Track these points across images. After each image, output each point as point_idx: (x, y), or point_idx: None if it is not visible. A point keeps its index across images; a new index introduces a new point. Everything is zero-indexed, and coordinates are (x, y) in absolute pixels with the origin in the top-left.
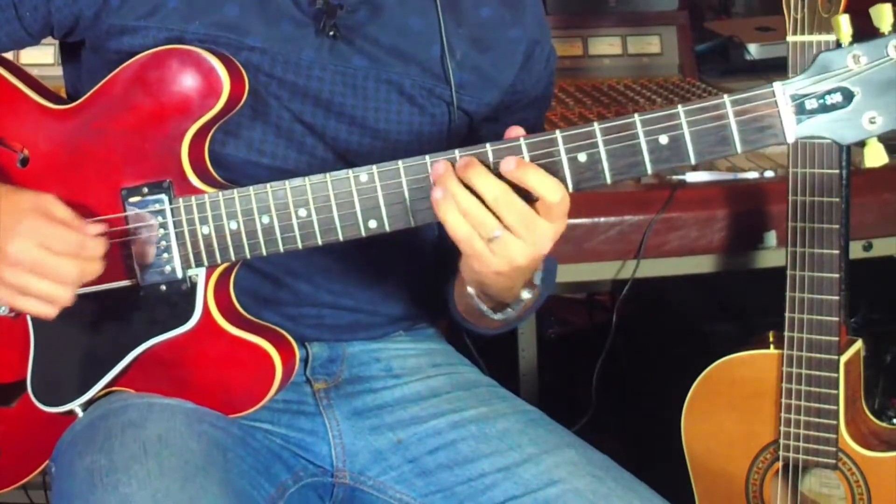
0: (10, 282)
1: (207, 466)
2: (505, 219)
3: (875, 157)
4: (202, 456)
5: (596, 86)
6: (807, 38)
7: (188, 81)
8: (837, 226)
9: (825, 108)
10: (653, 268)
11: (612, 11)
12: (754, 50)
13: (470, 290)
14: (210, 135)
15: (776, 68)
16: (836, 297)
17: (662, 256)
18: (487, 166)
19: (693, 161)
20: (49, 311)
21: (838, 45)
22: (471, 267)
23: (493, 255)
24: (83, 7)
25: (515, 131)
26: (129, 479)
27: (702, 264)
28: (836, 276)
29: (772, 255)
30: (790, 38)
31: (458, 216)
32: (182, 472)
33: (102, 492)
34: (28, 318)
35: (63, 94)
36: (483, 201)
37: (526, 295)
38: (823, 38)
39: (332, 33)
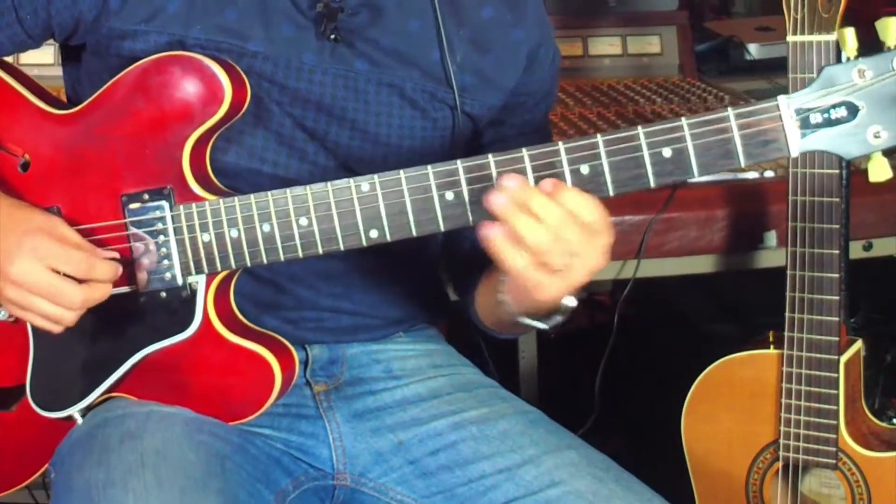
0: (13, 300)
1: (206, 478)
2: (570, 243)
3: (880, 171)
4: (201, 467)
5: (596, 86)
6: (807, 38)
7: (190, 88)
8: (837, 226)
9: (830, 123)
10: (653, 268)
11: (612, 11)
12: (754, 50)
13: (513, 309)
14: (211, 142)
15: (776, 68)
16: (836, 297)
17: (662, 256)
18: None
19: (696, 174)
20: (53, 328)
21: (838, 49)
22: (527, 296)
23: (561, 280)
24: (83, 10)
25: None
26: (126, 494)
27: (702, 264)
28: (836, 276)
29: (772, 255)
30: (790, 38)
31: (512, 249)
32: (180, 485)
33: None
34: (28, 323)
35: (63, 95)
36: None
37: (572, 301)
38: (823, 38)
39: (332, 36)
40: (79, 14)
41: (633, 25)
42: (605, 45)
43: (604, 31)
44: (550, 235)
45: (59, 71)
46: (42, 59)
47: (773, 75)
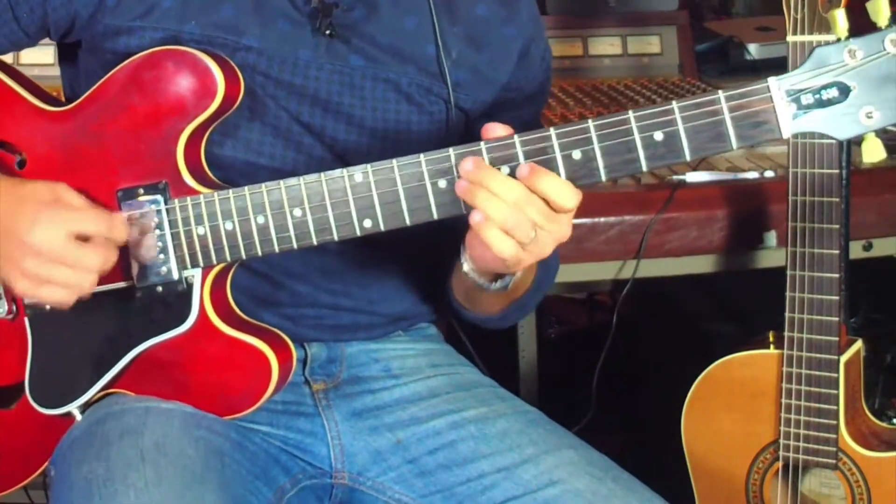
0: (32, 272)
1: (205, 473)
2: (530, 217)
3: (873, 152)
4: (200, 463)
5: (596, 86)
6: (807, 37)
7: (183, 82)
8: (837, 226)
9: (821, 103)
10: (653, 268)
11: (612, 11)
12: (754, 50)
13: (466, 268)
14: (206, 136)
15: (776, 68)
16: (836, 297)
17: (662, 256)
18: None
19: (688, 157)
20: (68, 300)
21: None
22: (496, 267)
23: (528, 254)
24: (79, 8)
25: (493, 129)
26: (127, 489)
27: (702, 264)
28: (836, 276)
29: (772, 255)
30: (790, 38)
31: (500, 235)
32: (180, 480)
33: (99, 502)
34: (26, 320)
35: (61, 96)
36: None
37: None
38: (823, 37)
39: (328, 32)
40: (74, 12)
41: (633, 25)
42: (605, 45)
43: (604, 31)
44: (514, 211)
45: (58, 70)
46: (42, 59)
47: (774, 75)
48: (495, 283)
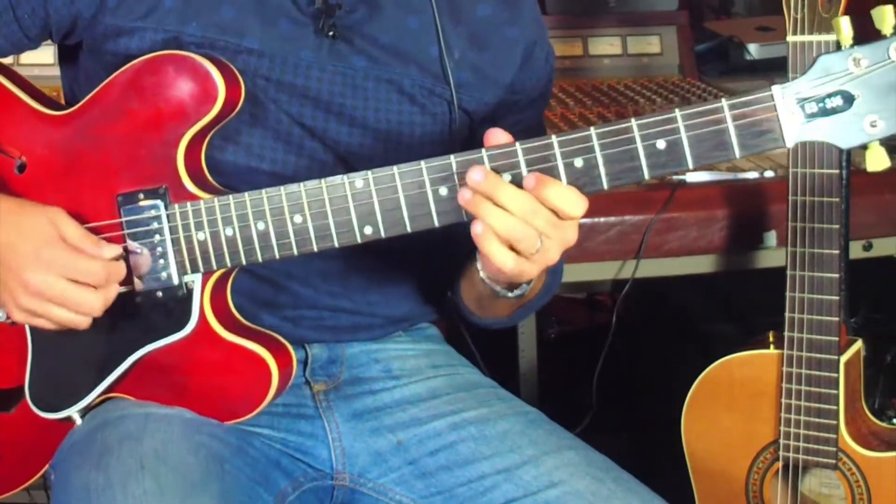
0: (28, 308)
1: (205, 481)
2: (537, 228)
3: (877, 161)
4: (200, 470)
5: (596, 86)
6: (807, 38)
7: (184, 87)
8: (837, 226)
9: (825, 112)
10: (653, 268)
11: (612, 11)
12: (754, 50)
13: (482, 275)
14: (207, 140)
15: (776, 68)
16: (836, 297)
17: (662, 256)
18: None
19: (691, 166)
20: (63, 330)
21: (838, 46)
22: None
23: (534, 264)
24: (81, 8)
25: (494, 135)
26: (126, 498)
27: (702, 264)
28: (836, 276)
29: (772, 255)
30: (790, 38)
31: (500, 247)
32: (180, 488)
33: None
34: (26, 324)
35: (61, 96)
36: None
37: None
38: (823, 38)
39: (331, 33)
40: (76, 12)
41: (633, 25)
42: (605, 45)
43: (604, 31)
44: (520, 223)
45: (58, 71)
46: (41, 60)
47: (773, 75)
48: (512, 292)
